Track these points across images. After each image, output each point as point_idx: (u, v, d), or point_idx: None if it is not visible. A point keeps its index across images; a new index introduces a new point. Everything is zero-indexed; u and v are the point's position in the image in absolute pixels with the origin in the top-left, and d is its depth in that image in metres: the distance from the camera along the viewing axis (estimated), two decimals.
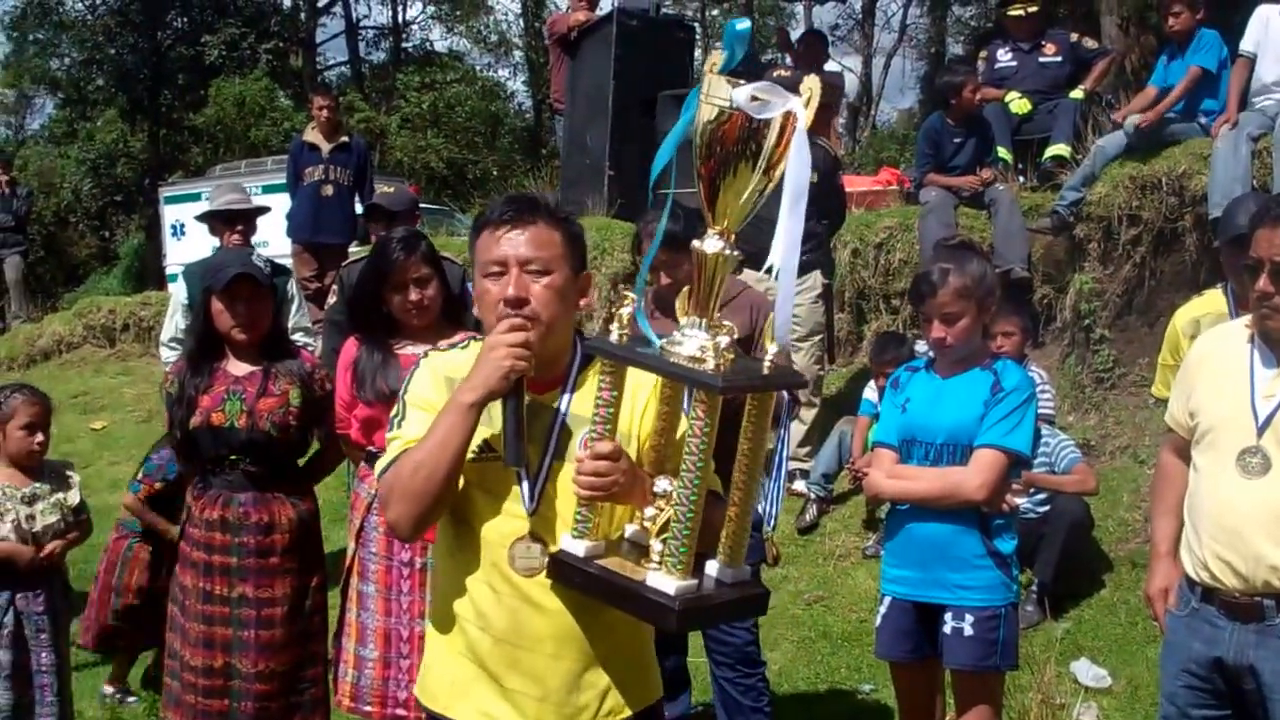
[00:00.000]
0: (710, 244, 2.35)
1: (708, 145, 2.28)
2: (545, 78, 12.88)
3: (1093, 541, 6.47)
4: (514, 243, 2.49)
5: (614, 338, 2.40)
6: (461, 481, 2.50)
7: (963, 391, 3.95)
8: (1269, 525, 3.15)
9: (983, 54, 9.37)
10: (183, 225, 14.27)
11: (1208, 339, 3.54)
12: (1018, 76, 8.84)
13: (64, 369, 12.25)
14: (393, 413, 2.62)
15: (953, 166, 7.97)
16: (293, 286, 6.77)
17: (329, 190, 9.80)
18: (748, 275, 6.84)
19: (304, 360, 4.55)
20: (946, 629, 3.91)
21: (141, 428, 10.35)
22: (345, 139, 10.05)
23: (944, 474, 3.92)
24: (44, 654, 4.54)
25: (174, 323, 6.76)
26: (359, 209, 10.02)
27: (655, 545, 2.39)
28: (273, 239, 10.60)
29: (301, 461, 4.62)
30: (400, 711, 4.27)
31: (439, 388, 2.56)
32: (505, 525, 2.51)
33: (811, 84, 2.29)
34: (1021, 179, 8.59)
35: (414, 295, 4.35)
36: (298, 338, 5.89)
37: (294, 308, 6.55)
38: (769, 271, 2.36)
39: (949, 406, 3.95)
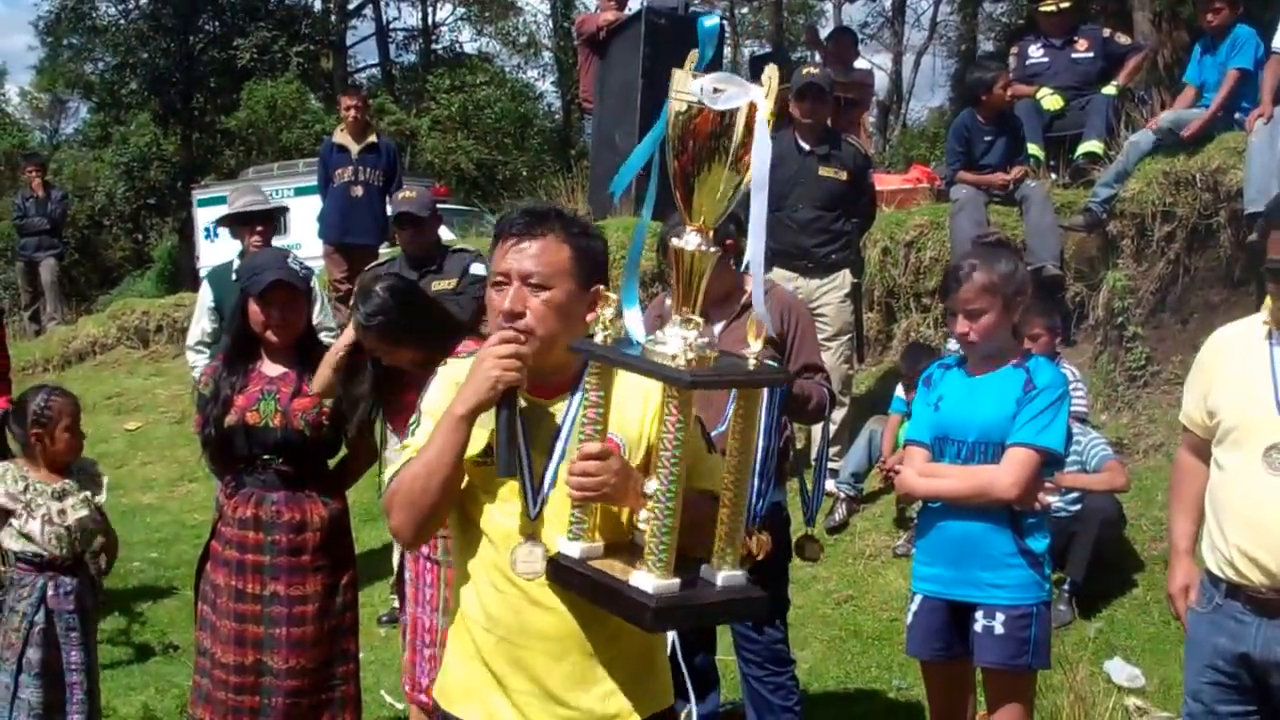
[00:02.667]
0: (689, 240, 2.33)
1: (680, 140, 2.26)
2: (575, 78, 12.88)
3: (1125, 540, 6.43)
4: (518, 256, 2.51)
5: (599, 338, 2.40)
6: (467, 484, 2.54)
7: (995, 389, 3.93)
8: None
9: (1014, 50, 9.31)
10: (216, 227, 14.36)
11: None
12: (1049, 73, 8.77)
13: (98, 370, 12.35)
14: (410, 420, 2.67)
15: (984, 164, 7.93)
16: (315, 284, 6.79)
17: (358, 191, 9.82)
18: (776, 274, 6.87)
19: None
20: (977, 627, 3.90)
21: (174, 428, 10.43)
22: (374, 140, 10.07)
23: (976, 472, 3.91)
24: (74, 653, 4.56)
25: (200, 327, 6.80)
26: (389, 210, 10.07)
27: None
28: (305, 241, 10.67)
29: (332, 463, 4.66)
30: (422, 697, 4.43)
31: (449, 395, 2.57)
32: (508, 528, 2.52)
33: (770, 73, 2.25)
34: (1054, 176, 8.52)
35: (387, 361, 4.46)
36: (322, 337, 5.92)
37: (317, 307, 6.56)
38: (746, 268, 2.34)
39: (981, 404, 3.93)
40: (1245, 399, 3.29)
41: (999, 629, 3.86)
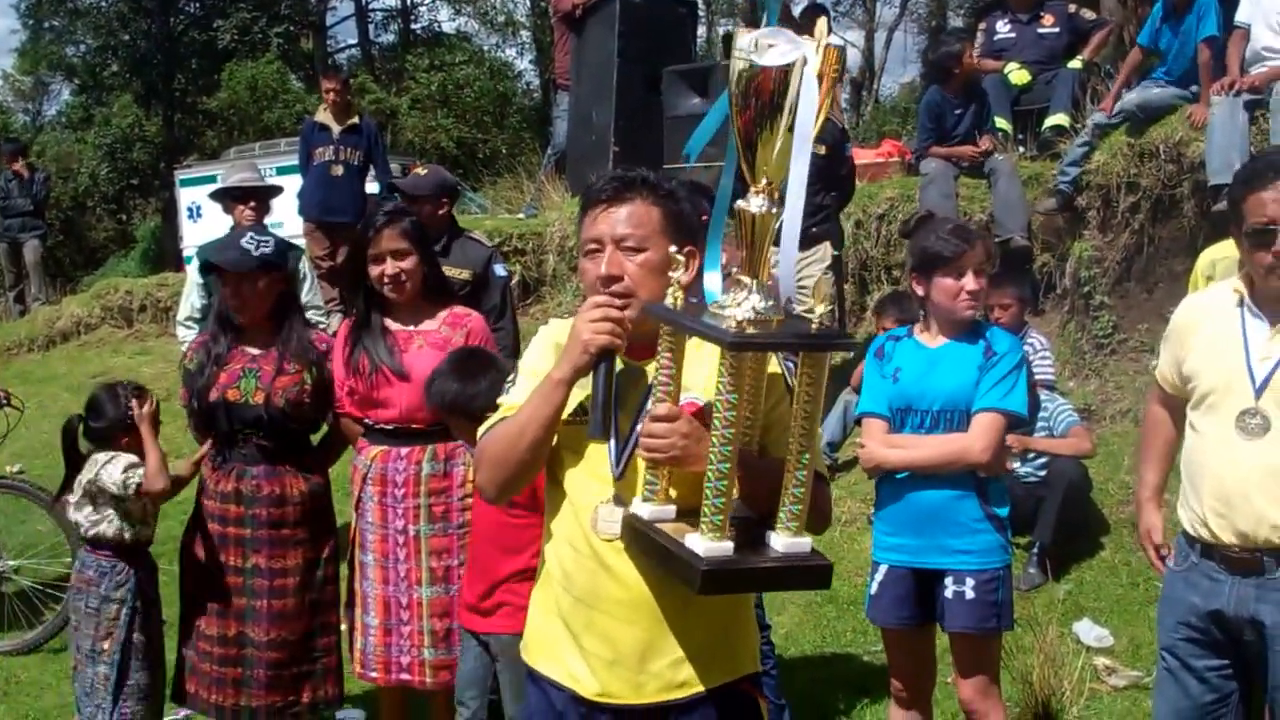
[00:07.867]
0: (753, 203, 2.28)
1: (742, 99, 2.21)
2: (552, 56, 12.88)
3: (1092, 503, 6.55)
4: (610, 221, 2.54)
5: (668, 301, 2.39)
6: (555, 442, 2.56)
7: (956, 358, 3.97)
8: (1269, 484, 3.25)
9: (982, 25, 9.44)
10: (199, 207, 14.35)
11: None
12: (1016, 48, 8.89)
13: (83, 350, 12.35)
14: (507, 380, 2.71)
15: (953, 136, 8.05)
16: (304, 265, 6.86)
17: (339, 170, 9.87)
18: None
19: (318, 341, 4.63)
20: (947, 593, 3.92)
21: (159, 406, 10.47)
22: (355, 120, 10.13)
23: (947, 440, 3.92)
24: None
25: (189, 302, 6.86)
26: (370, 188, 10.14)
27: None
28: (286, 219, 10.71)
29: (315, 439, 4.72)
30: (404, 676, 4.39)
31: (547, 355, 2.61)
32: (592, 488, 2.56)
33: (820, 24, 2.24)
34: (1021, 149, 8.64)
35: (390, 269, 4.44)
36: (309, 315, 5.97)
37: (305, 286, 6.62)
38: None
39: (943, 373, 3.96)
40: (1219, 366, 3.35)
41: (969, 594, 3.89)
